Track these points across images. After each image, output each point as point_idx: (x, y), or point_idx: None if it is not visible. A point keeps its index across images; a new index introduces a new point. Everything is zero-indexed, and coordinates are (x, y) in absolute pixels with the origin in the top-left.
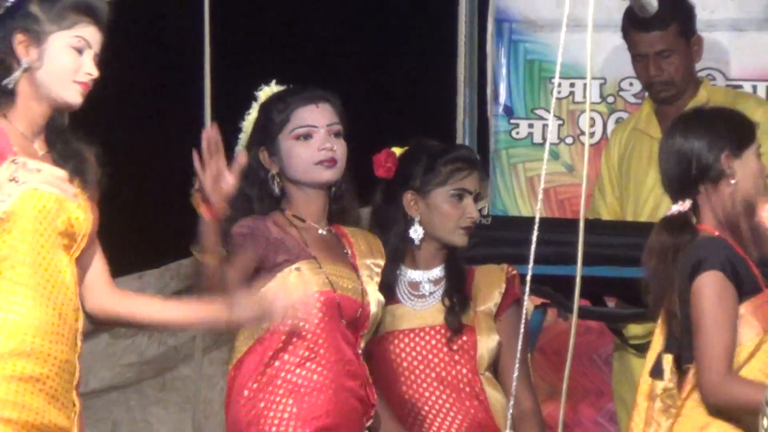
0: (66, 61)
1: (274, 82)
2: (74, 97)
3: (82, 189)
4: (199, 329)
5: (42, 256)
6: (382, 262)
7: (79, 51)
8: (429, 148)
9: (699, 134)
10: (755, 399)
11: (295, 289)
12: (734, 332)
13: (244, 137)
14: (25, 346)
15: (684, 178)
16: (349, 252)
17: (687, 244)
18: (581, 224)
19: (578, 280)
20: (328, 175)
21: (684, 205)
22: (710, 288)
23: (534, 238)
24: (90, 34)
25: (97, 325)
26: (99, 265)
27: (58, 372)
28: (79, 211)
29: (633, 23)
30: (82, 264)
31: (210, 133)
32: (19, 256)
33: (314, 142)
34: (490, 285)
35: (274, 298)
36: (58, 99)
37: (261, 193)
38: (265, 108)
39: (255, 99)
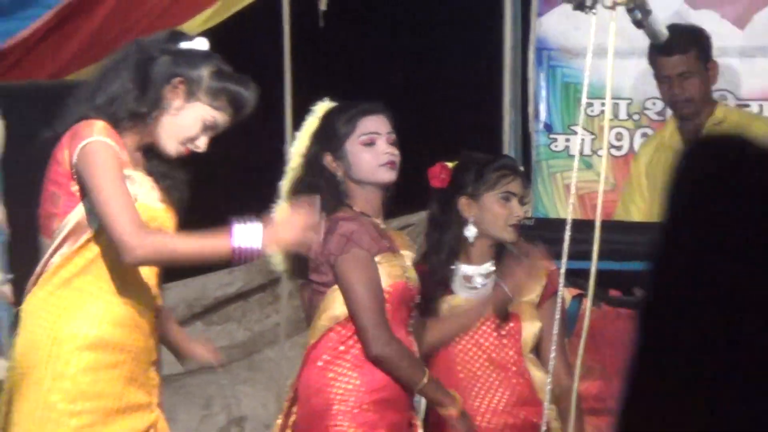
0: (192, 129)
1: (327, 99)
2: (173, 153)
3: (168, 201)
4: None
5: None
6: (413, 256)
7: (206, 127)
8: (478, 159)
9: None
10: None
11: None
12: None
13: (299, 144)
14: (107, 337)
15: None
16: (395, 245)
17: None
18: (597, 224)
19: (593, 271)
20: (390, 175)
21: None
22: None
23: (567, 237)
24: (223, 120)
25: None
26: None
27: (134, 357)
28: (165, 216)
29: (659, 49)
30: None
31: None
32: (107, 260)
33: (378, 147)
34: (520, 293)
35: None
36: (164, 147)
37: (327, 193)
38: (328, 119)
39: (310, 113)
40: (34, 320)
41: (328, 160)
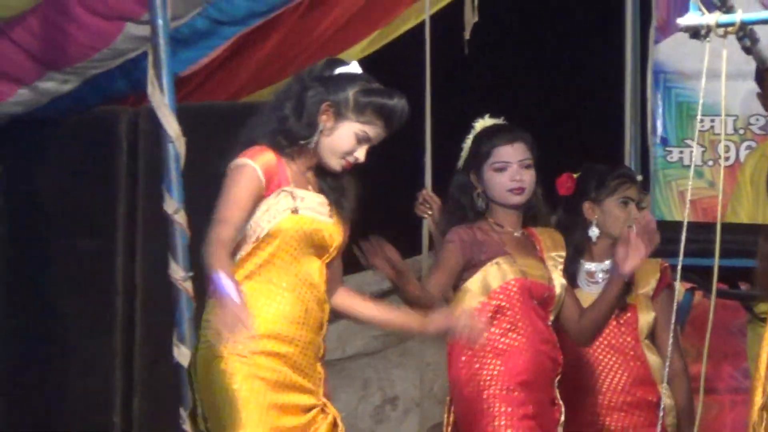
0: (346, 145)
1: (487, 115)
2: (337, 167)
3: (337, 213)
4: (395, 330)
5: (297, 262)
6: (563, 254)
7: (359, 141)
8: (599, 169)
9: None
10: None
11: (478, 298)
12: None
13: (463, 156)
14: (275, 331)
15: None
16: (538, 248)
17: None
18: (718, 228)
19: (715, 269)
20: (517, 199)
21: None
22: None
23: (683, 238)
24: (375, 133)
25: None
26: (338, 270)
27: (301, 350)
28: (333, 229)
29: None
30: (330, 268)
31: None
32: (278, 262)
33: (507, 174)
34: (648, 274)
35: (458, 318)
36: (325, 164)
37: (471, 205)
38: (476, 140)
39: (472, 128)
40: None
41: (474, 178)
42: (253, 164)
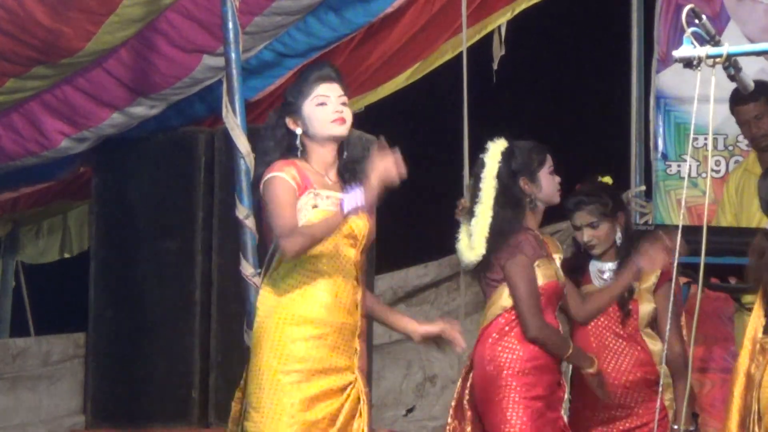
0: (319, 114)
1: (502, 137)
2: (337, 130)
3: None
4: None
5: (334, 251)
6: (561, 257)
7: (323, 103)
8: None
9: None
10: None
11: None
12: None
13: (489, 170)
14: (313, 316)
15: None
16: (547, 251)
17: None
18: (704, 228)
19: (702, 265)
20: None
21: None
22: None
23: (679, 239)
24: (327, 89)
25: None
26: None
27: (336, 330)
28: (358, 221)
29: (736, 100)
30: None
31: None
32: (315, 252)
33: (556, 178)
34: (650, 270)
35: (445, 328)
36: (329, 136)
37: (510, 211)
38: (524, 153)
39: (484, 151)
40: (264, 302)
41: (524, 182)
42: (281, 174)
